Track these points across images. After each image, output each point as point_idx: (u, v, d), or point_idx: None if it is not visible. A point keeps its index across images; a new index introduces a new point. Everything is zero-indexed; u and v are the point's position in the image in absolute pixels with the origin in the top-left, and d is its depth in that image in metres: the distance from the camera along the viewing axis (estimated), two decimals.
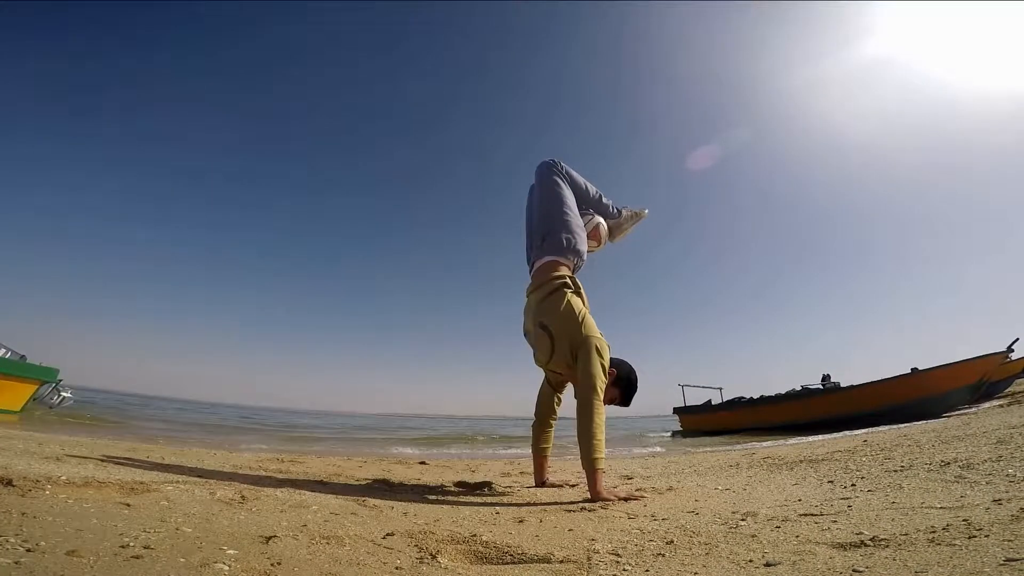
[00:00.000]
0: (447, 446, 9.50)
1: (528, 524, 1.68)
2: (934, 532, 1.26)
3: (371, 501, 1.97)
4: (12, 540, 0.95)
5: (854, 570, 1.04)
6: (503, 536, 1.47)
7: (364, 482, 2.49)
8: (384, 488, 2.36)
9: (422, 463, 4.13)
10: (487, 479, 2.90)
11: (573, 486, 2.59)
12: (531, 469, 3.73)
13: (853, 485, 2.14)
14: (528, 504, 2.11)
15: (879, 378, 10.50)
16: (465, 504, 2.09)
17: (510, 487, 2.63)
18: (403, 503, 2.03)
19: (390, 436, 11.39)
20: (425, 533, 1.44)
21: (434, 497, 2.19)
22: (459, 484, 2.70)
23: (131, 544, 1.02)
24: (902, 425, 7.54)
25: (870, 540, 1.23)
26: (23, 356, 7.36)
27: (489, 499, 2.24)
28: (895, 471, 2.35)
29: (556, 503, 2.11)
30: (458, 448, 9.10)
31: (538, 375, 2.73)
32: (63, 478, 1.56)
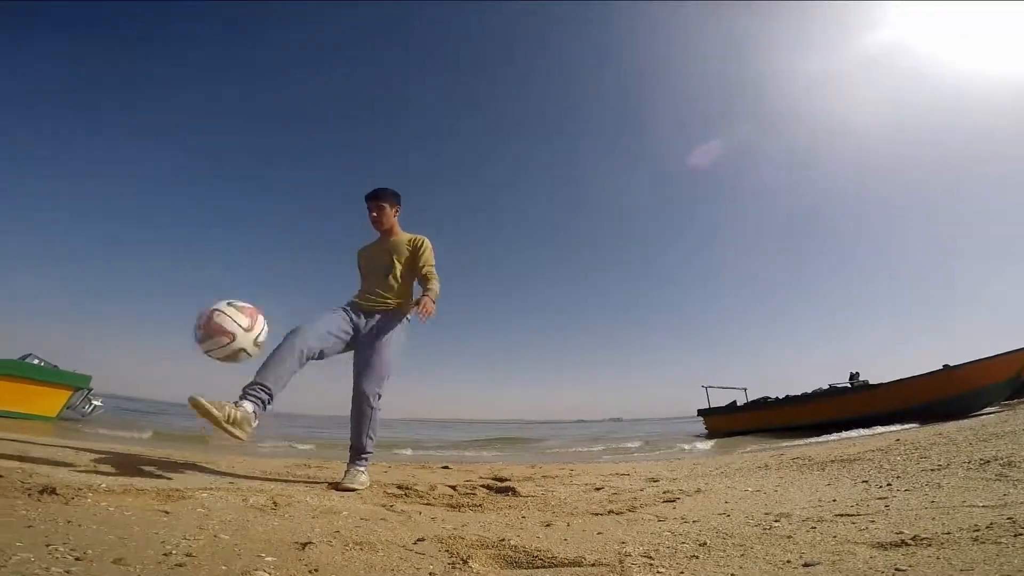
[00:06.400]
0: (467, 450, 9.52)
1: (555, 528, 1.68)
2: (978, 531, 1.23)
3: (399, 506, 1.99)
4: (61, 549, 0.98)
5: (897, 569, 1.02)
6: (531, 540, 1.47)
7: (390, 487, 2.50)
8: (410, 493, 2.38)
9: (445, 467, 4.14)
10: (510, 483, 2.89)
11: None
12: (554, 472, 3.71)
13: (889, 485, 2.09)
14: (554, 508, 2.11)
15: (909, 375, 10.22)
16: (491, 508, 2.09)
17: (534, 491, 2.62)
18: (429, 508, 2.04)
19: (410, 440, 11.46)
20: (454, 538, 1.44)
21: (459, 502, 2.20)
22: (483, 488, 2.71)
23: (173, 552, 1.04)
24: (936, 423, 7.33)
25: (911, 539, 1.20)
26: (55, 366, 7.60)
27: (514, 503, 2.24)
28: (932, 470, 2.29)
29: (582, 507, 2.10)
30: (478, 452, 9.11)
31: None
32: (103, 486, 1.60)
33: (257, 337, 2.30)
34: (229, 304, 2.25)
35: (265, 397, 2.25)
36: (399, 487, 2.52)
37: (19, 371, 7.02)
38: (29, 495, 1.40)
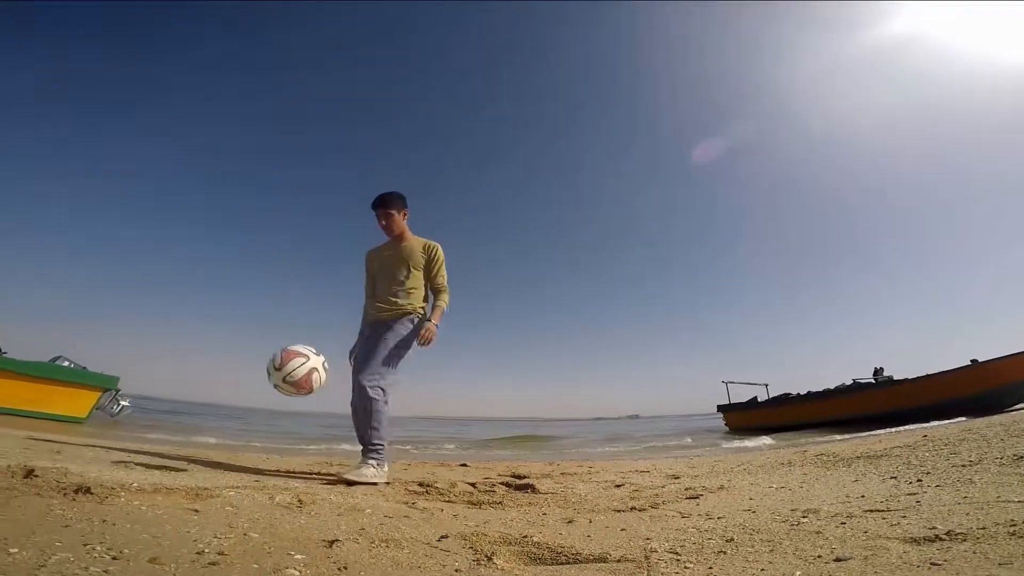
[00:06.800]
0: (486, 448, 9.56)
1: (578, 524, 1.68)
2: (1015, 525, 1.20)
3: (421, 503, 2.00)
4: (98, 548, 1.00)
5: (932, 563, 1.00)
6: (554, 537, 1.47)
7: (411, 484, 2.52)
8: (431, 490, 2.39)
9: (463, 465, 4.16)
10: (529, 480, 2.90)
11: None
12: (572, 470, 3.70)
13: (919, 481, 2.04)
14: (574, 504, 2.10)
15: (936, 371, 9.99)
16: (511, 505, 2.09)
17: (553, 488, 2.62)
18: (451, 505, 2.06)
19: (426, 439, 11.54)
20: (477, 535, 1.45)
21: (479, 499, 2.21)
22: (502, 485, 2.71)
23: (206, 551, 1.06)
24: (964, 419, 7.15)
25: (945, 534, 1.18)
26: (84, 367, 7.78)
27: (534, 500, 2.24)
28: (963, 466, 2.23)
29: (603, 503, 2.09)
30: (496, 450, 9.14)
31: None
32: (134, 485, 1.63)
33: (316, 354, 2.61)
34: (278, 369, 2.51)
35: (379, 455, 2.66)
36: (420, 484, 2.53)
37: (51, 373, 7.22)
38: (64, 495, 1.44)
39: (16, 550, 0.93)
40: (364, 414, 2.59)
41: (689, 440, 10.33)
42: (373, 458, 2.57)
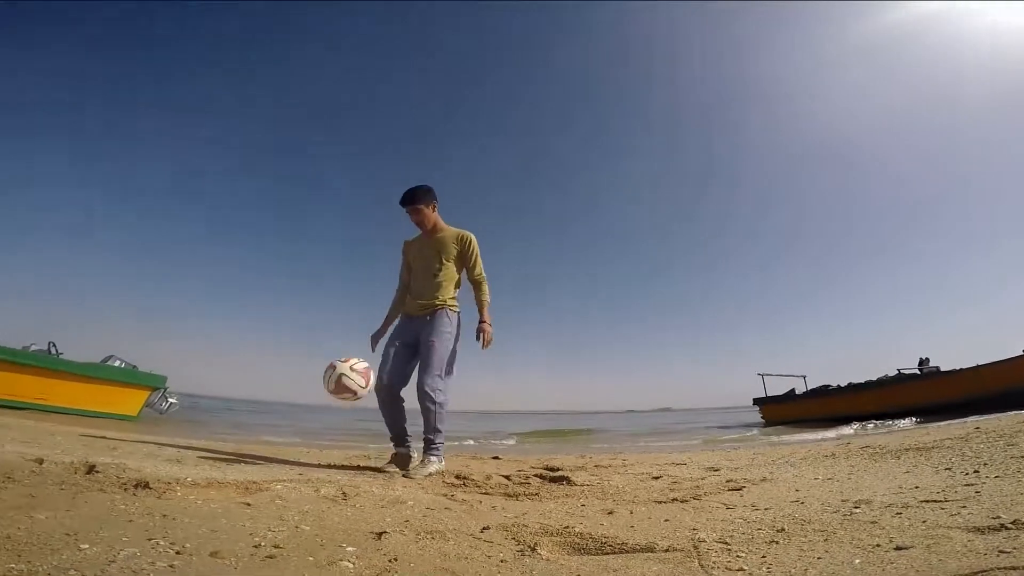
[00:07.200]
0: (517, 441, 9.58)
1: (619, 515, 1.67)
2: None
3: (459, 495, 2.02)
4: (162, 543, 1.04)
5: (1000, 551, 0.96)
6: (596, 527, 1.47)
7: (448, 477, 2.56)
8: (468, 483, 2.42)
9: (495, 458, 4.19)
10: (563, 472, 2.89)
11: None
12: (606, 462, 3.68)
13: (976, 472, 1.96)
14: (612, 496, 2.09)
15: (985, 361, 9.52)
16: (547, 497, 2.09)
17: (588, 480, 2.61)
18: (488, 497, 2.07)
19: (458, 432, 11.62)
20: (518, 526, 1.46)
21: (515, 491, 2.22)
22: (536, 478, 2.72)
23: (262, 544, 1.09)
24: (1021, 411, 6.80)
25: (1011, 523, 1.13)
26: (134, 366, 8.11)
27: (570, 491, 2.23)
28: (1023, 457, 2.13)
29: (643, 495, 2.08)
30: (527, 443, 9.15)
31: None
32: (188, 479, 1.70)
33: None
34: (356, 373, 2.68)
35: (406, 445, 2.84)
36: (457, 477, 2.57)
37: (104, 373, 7.56)
38: (125, 490, 1.51)
39: (87, 546, 0.97)
40: (426, 415, 2.73)
41: (755, 432, 9.93)
42: (434, 454, 2.74)
